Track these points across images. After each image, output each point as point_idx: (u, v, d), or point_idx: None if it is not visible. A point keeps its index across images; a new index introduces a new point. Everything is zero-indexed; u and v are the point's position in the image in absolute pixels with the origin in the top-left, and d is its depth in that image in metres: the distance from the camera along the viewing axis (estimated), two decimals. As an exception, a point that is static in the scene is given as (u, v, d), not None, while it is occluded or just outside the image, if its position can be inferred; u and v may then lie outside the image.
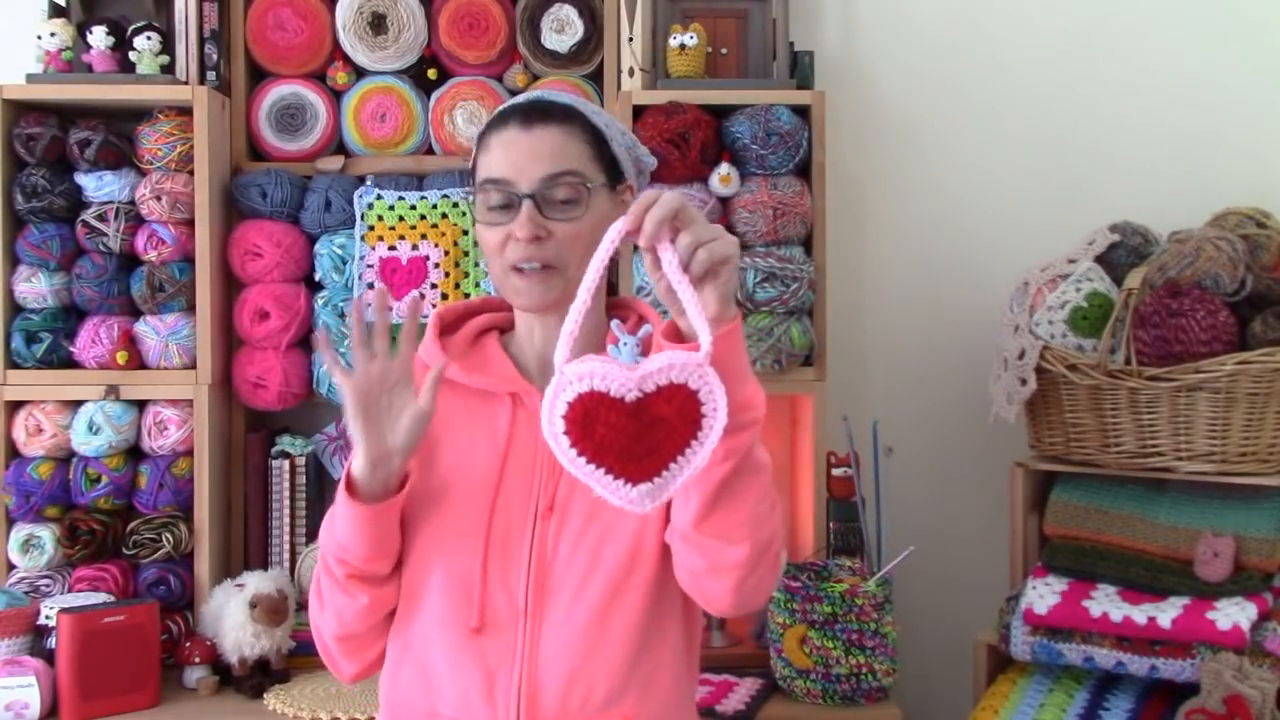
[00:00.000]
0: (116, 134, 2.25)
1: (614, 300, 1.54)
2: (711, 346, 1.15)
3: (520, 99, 1.48)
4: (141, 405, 2.26)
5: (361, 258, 2.28)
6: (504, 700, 1.36)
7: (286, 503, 2.31)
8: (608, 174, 1.44)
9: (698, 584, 1.35)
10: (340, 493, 1.35)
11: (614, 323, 1.39)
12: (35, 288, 2.23)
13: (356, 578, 1.39)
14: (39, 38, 2.26)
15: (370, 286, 2.28)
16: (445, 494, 1.42)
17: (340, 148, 2.40)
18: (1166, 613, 1.90)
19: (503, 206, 1.40)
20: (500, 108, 1.47)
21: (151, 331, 2.25)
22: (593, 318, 1.46)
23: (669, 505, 1.38)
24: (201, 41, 2.30)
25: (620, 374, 1.14)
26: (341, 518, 1.36)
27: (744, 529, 1.28)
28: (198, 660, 2.12)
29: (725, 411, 1.16)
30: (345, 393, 1.33)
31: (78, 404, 2.22)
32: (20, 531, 2.20)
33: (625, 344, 1.26)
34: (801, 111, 2.26)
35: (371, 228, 2.29)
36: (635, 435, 1.15)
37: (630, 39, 2.31)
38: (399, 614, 1.44)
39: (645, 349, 1.30)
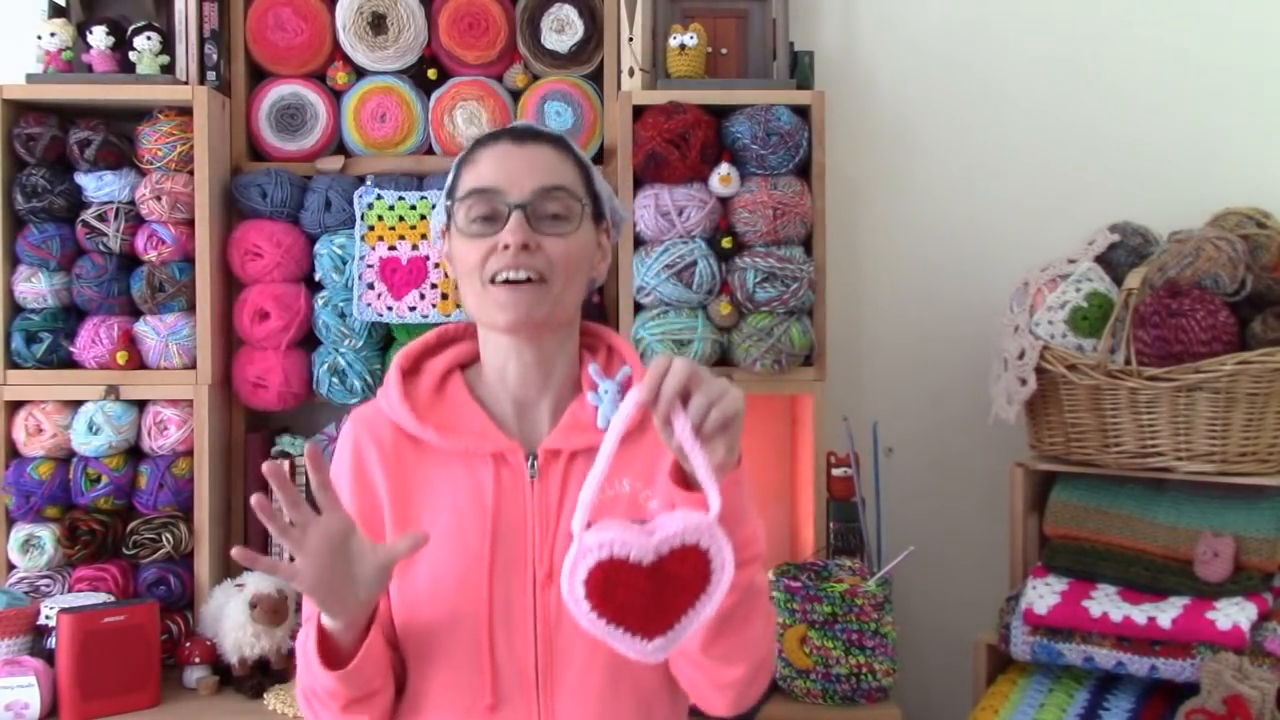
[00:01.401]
0: (116, 134, 2.25)
1: (585, 327, 1.48)
2: (720, 505, 1.19)
3: (508, 126, 1.46)
4: (141, 405, 2.26)
5: (361, 258, 2.28)
6: None
7: (286, 503, 2.31)
8: (594, 204, 1.42)
9: (697, 694, 1.39)
10: (314, 659, 1.29)
11: (592, 367, 1.37)
12: (35, 288, 2.23)
13: (356, 703, 1.33)
14: (39, 38, 2.26)
15: (370, 287, 2.28)
16: (438, 571, 1.37)
17: (340, 148, 2.40)
18: (1166, 613, 1.90)
19: (487, 218, 1.36)
20: (484, 133, 1.45)
21: (151, 331, 2.25)
22: (567, 350, 1.44)
23: None
24: (201, 41, 2.30)
25: (638, 540, 1.18)
26: (324, 676, 1.30)
27: (744, 651, 1.32)
28: (198, 660, 2.12)
29: (732, 566, 1.21)
30: (302, 584, 1.26)
31: (78, 404, 2.23)
32: (20, 531, 2.20)
33: (606, 391, 1.27)
34: (801, 111, 2.26)
35: (371, 228, 2.29)
36: (652, 595, 1.19)
37: (630, 39, 2.31)
38: (405, 694, 1.41)
39: (623, 391, 1.30)
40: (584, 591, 1.18)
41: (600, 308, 2.33)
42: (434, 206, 2.30)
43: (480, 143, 1.42)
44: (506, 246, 1.34)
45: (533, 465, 1.39)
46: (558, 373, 1.43)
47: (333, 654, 1.30)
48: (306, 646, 1.32)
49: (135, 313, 2.28)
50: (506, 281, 1.35)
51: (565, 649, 1.36)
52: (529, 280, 1.35)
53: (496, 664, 1.35)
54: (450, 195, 1.42)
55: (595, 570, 1.18)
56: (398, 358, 1.46)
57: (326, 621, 1.29)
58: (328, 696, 1.33)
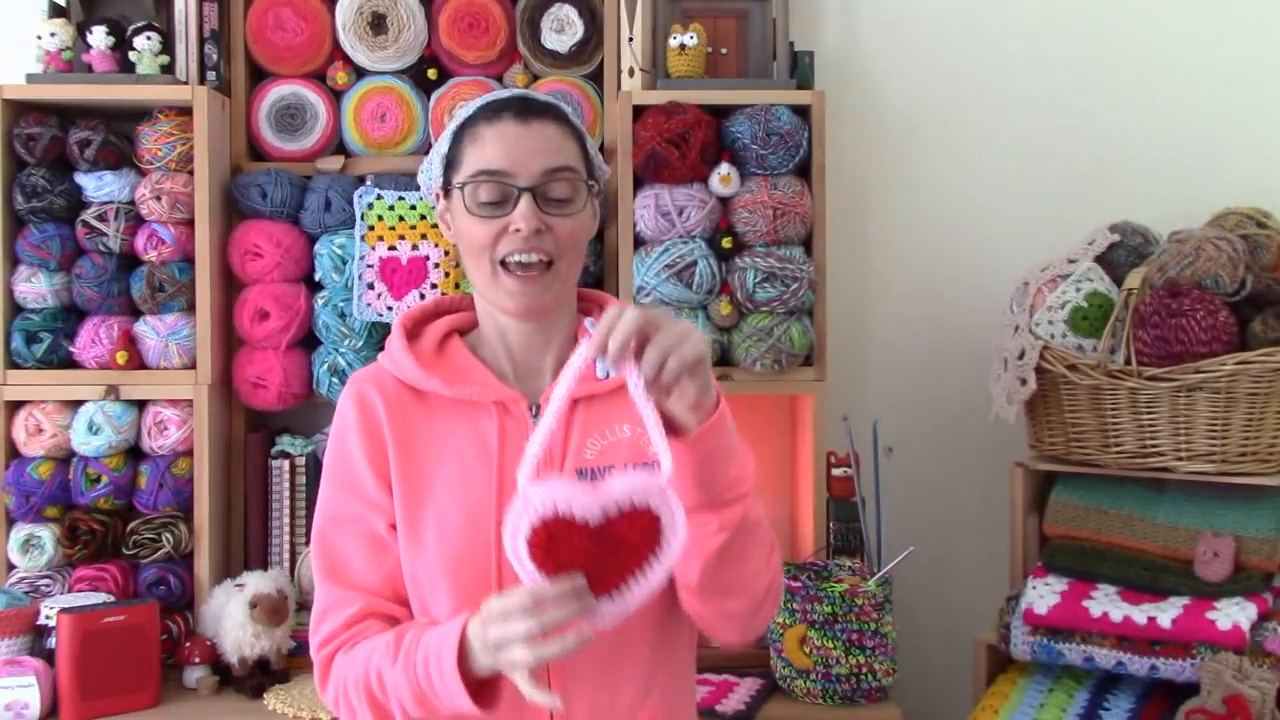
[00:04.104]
0: (116, 134, 2.25)
1: (582, 292, 1.51)
2: (672, 466, 1.18)
3: (504, 94, 1.45)
4: (141, 405, 2.26)
5: (361, 258, 2.28)
6: (533, 716, 1.35)
7: (286, 503, 2.31)
8: (590, 175, 1.45)
9: (703, 623, 1.39)
10: (466, 702, 1.22)
11: (587, 321, 1.38)
12: (35, 288, 2.23)
13: None
14: (39, 38, 2.26)
15: (370, 287, 2.28)
16: (446, 518, 1.37)
17: (340, 148, 2.40)
18: (1166, 613, 1.90)
19: (496, 201, 1.37)
20: (484, 100, 1.43)
21: (151, 331, 2.25)
22: (566, 314, 1.46)
23: None
24: (201, 41, 2.30)
25: (583, 499, 1.16)
26: (458, 711, 1.24)
27: (742, 585, 1.32)
28: (198, 660, 2.12)
29: (684, 531, 1.18)
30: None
31: (78, 404, 2.22)
32: (20, 531, 2.20)
33: None
34: (801, 111, 2.26)
35: (371, 228, 2.29)
36: (598, 557, 1.17)
37: (630, 39, 2.31)
38: None
39: None
40: (526, 548, 1.16)
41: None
42: (433, 206, 2.29)
43: (483, 117, 1.41)
44: (518, 230, 1.35)
45: (535, 413, 1.41)
46: (558, 335, 1.46)
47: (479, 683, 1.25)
48: (441, 682, 1.24)
49: (135, 313, 2.28)
50: (518, 264, 1.37)
51: None
52: (539, 262, 1.37)
53: None
54: (450, 165, 1.43)
55: (539, 526, 1.15)
56: (400, 319, 1.48)
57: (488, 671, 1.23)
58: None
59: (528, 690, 1.18)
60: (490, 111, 1.41)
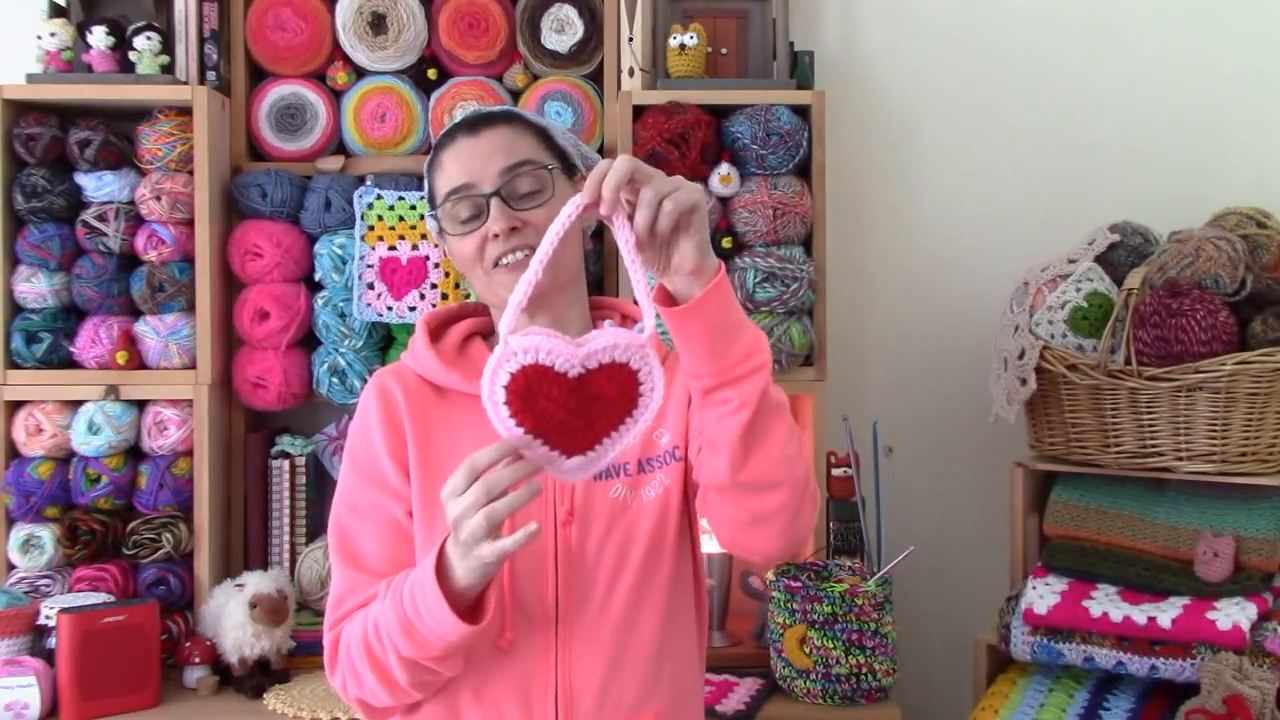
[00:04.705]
0: (116, 134, 2.25)
1: (595, 300, 1.54)
2: (654, 327, 1.17)
3: (457, 120, 1.50)
4: (141, 405, 2.26)
5: (361, 258, 2.28)
6: (540, 710, 1.36)
7: (286, 503, 2.31)
8: (561, 162, 1.46)
9: (742, 536, 1.31)
10: (449, 618, 1.24)
11: (607, 323, 1.39)
12: (35, 288, 2.23)
13: (452, 664, 1.33)
14: (39, 38, 2.26)
15: (370, 287, 2.28)
16: None
17: (340, 148, 2.40)
18: (1166, 613, 1.90)
19: (472, 215, 1.41)
20: (442, 133, 1.48)
21: (151, 331, 2.25)
22: (578, 309, 1.49)
23: (683, 491, 1.42)
24: (201, 41, 2.30)
25: (564, 349, 1.15)
26: (444, 636, 1.26)
27: (778, 470, 1.25)
28: (198, 660, 2.12)
29: (662, 392, 1.18)
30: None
31: (78, 404, 2.22)
32: (20, 531, 2.20)
33: None
34: (801, 111, 2.26)
35: (371, 228, 2.29)
36: (574, 410, 1.16)
37: (630, 39, 2.31)
38: None
39: None
40: (504, 396, 1.15)
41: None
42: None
43: (439, 145, 1.46)
44: (496, 235, 1.39)
45: None
46: (571, 332, 1.45)
47: (467, 610, 1.27)
48: (424, 602, 1.26)
49: (135, 313, 2.28)
50: (506, 266, 1.40)
51: (585, 587, 1.38)
52: (525, 259, 1.39)
53: (516, 601, 1.36)
54: (431, 202, 1.48)
55: (518, 375, 1.15)
56: (424, 318, 1.51)
57: (471, 579, 1.24)
58: (438, 661, 1.29)
59: (493, 551, 1.18)
60: (446, 138, 1.46)
